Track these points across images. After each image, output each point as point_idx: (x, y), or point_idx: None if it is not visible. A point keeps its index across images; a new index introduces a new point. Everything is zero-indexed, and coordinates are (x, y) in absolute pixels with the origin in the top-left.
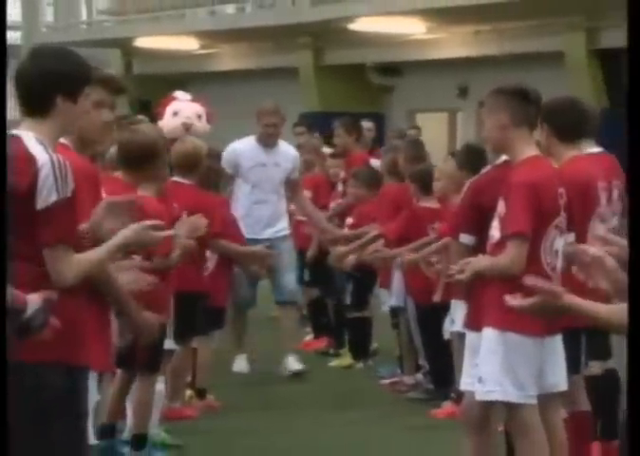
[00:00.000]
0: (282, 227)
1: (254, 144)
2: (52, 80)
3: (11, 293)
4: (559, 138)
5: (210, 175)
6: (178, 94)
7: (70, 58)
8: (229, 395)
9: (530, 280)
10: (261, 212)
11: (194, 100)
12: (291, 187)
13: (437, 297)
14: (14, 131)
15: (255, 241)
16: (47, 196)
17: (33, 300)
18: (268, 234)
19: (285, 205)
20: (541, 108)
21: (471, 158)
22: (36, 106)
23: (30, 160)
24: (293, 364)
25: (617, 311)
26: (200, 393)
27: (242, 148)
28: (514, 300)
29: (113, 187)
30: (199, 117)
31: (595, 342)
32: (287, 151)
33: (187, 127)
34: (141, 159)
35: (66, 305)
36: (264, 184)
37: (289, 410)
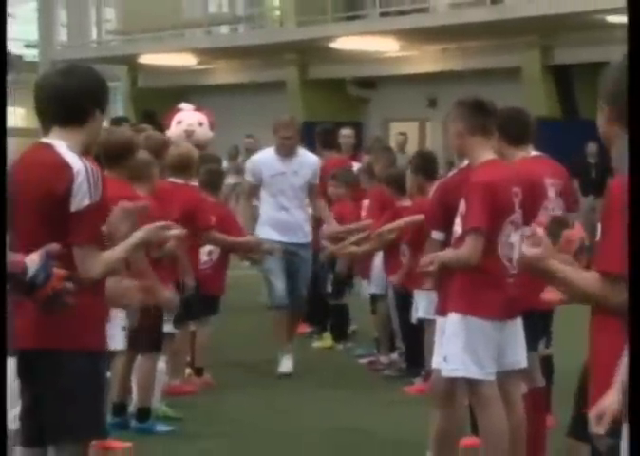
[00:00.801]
0: (303, 234)
1: (274, 155)
2: (92, 95)
3: (9, 260)
4: (509, 142)
5: (208, 177)
6: (183, 105)
7: (99, 76)
8: (223, 374)
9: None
10: (283, 218)
11: (197, 109)
12: (310, 193)
13: (395, 280)
14: (44, 139)
15: (282, 244)
16: (80, 200)
17: (32, 260)
18: (289, 239)
19: (307, 213)
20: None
21: (423, 163)
22: (74, 117)
23: (66, 167)
24: (286, 365)
25: (588, 278)
26: (198, 372)
27: (262, 159)
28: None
29: (111, 185)
30: (201, 124)
31: (545, 326)
32: (306, 159)
33: (189, 134)
34: (119, 155)
35: (88, 298)
36: (285, 192)
37: (276, 387)
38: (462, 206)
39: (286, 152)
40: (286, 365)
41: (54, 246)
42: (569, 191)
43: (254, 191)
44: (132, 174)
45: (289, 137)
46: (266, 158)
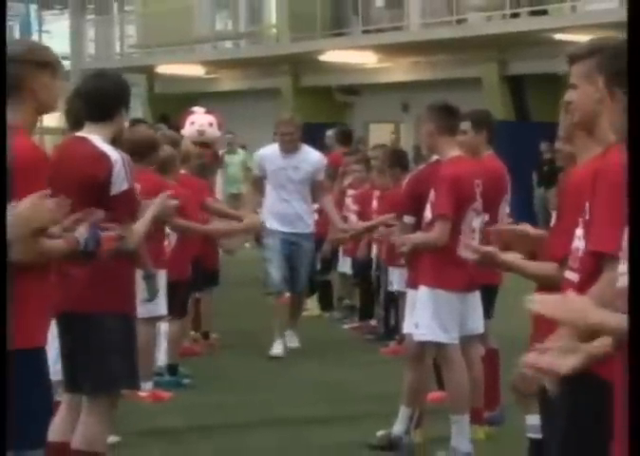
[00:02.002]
0: (304, 225)
1: (277, 150)
2: (121, 95)
3: (61, 242)
4: (487, 141)
5: (169, 161)
6: (195, 108)
7: (124, 80)
8: (226, 338)
9: (465, 253)
10: (283, 210)
11: (207, 112)
12: (315, 188)
13: (360, 253)
14: (78, 133)
15: (282, 233)
16: (119, 185)
17: (80, 233)
18: (289, 229)
19: (308, 205)
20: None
21: (399, 159)
22: (106, 114)
23: (105, 156)
24: (292, 340)
25: (541, 266)
26: (205, 335)
27: (266, 153)
28: (466, 254)
29: (145, 177)
30: (211, 125)
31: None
32: (308, 156)
33: (201, 133)
34: (146, 151)
35: (122, 268)
36: (285, 186)
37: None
38: (432, 195)
39: (286, 147)
40: (292, 341)
41: (99, 215)
42: (496, 188)
43: (258, 182)
44: (159, 166)
45: (288, 133)
46: (270, 153)
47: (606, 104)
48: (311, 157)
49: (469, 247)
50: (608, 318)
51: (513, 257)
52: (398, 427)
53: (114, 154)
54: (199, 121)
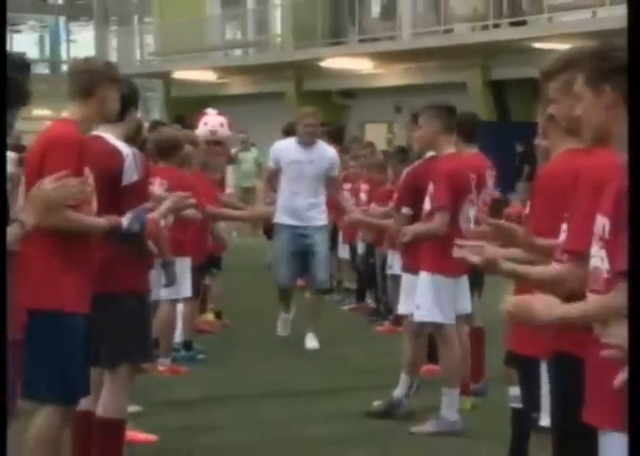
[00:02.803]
0: (317, 218)
1: (293, 144)
2: (132, 98)
3: (105, 220)
4: (464, 140)
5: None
6: (208, 110)
7: (133, 83)
8: (236, 317)
9: (458, 253)
10: (296, 202)
11: (219, 113)
12: (329, 184)
13: (365, 239)
14: (95, 132)
15: (292, 227)
16: (130, 176)
17: (127, 217)
18: (303, 222)
19: (323, 199)
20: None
21: (404, 156)
22: (118, 115)
23: (118, 152)
24: (312, 342)
25: (542, 270)
26: (217, 315)
27: (283, 146)
28: (458, 253)
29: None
30: (222, 125)
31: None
32: (324, 151)
33: (213, 133)
34: (170, 149)
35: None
36: (299, 179)
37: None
38: (431, 188)
39: (307, 139)
40: (311, 341)
41: (147, 205)
42: (497, 180)
43: (272, 175)
44: (182, 163)
45: (311, 124)
46: (286, 146)
47: (589, 104)
48: (327, 153)
49: (473, 250)
50: (570, 309)
51: (513, 266)
52: (398, 392)
53: (125, 149)
54: (212, 121)
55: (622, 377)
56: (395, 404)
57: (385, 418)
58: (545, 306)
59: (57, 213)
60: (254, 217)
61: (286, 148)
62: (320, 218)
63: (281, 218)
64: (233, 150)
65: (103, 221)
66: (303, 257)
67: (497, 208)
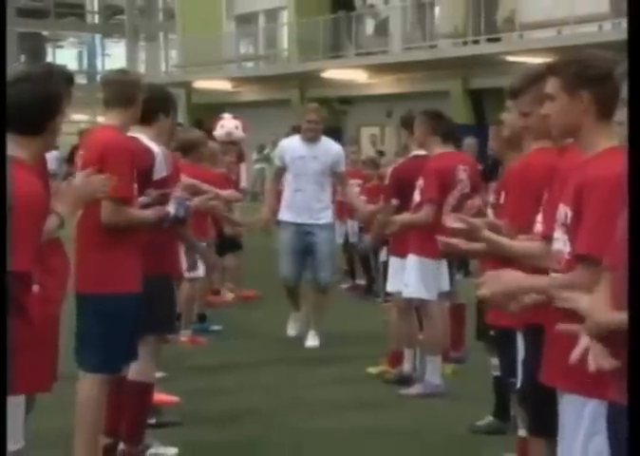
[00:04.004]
0: (322, 215)
1: (298, 140)
2: (162, 102)
3: (152, 211)
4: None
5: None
6: (225, 115)
7: (166, 90)
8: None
9: (452, 223)
10: (301, 199)
11: (234, 117)
12: (337, 179)
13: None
14: (130, 134)
15: (296, 225)
16: (160, 171)
17: (171, 205)
18: (307, 219)
19: (328, 195)
20: None
21: (373, 164)
22: (146, 118)
23: (150, 151)
24: (312, 340)
25: (523, 245)
26: (232, 291)
27: (288, 143)
28: (454, 223)
29: (190, 169)
30: (237, 128)
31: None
32: (328, 147)
33: (229, 135)
34: (193, 147)
35: (167, 237)
36: (303, 175)
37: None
38: (421, 183)
39: (309, 136)
40: (312, 340)
41: (185, 195)
42: (475, 176)
43: (279, 173)
44: (205, 160)
45: (313, 120)
46: (291, 142)
47: (563, 106)
48: (331, 149)
49: (457, 218)
50: (536, 281)
51: (496, 236)
52: (406, 366)
53: (156, 148)
54: (228, 125)
55: (577, 352)
56: (405, 376)
57: (400, 384)
58: (513, 278)
59: (92, 204)
60: (248, 224)
61: (290, 145)
62: (324, 215)
63: (285, 214)
64: (266, 150)
65: (151, 213)
66: (306, 255)
67: (462, 202)
